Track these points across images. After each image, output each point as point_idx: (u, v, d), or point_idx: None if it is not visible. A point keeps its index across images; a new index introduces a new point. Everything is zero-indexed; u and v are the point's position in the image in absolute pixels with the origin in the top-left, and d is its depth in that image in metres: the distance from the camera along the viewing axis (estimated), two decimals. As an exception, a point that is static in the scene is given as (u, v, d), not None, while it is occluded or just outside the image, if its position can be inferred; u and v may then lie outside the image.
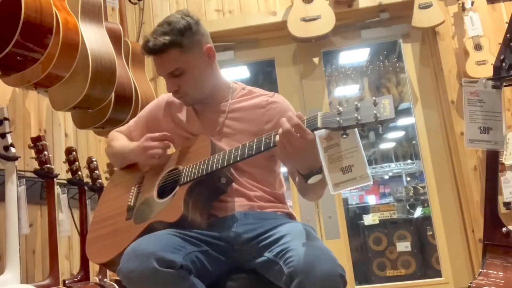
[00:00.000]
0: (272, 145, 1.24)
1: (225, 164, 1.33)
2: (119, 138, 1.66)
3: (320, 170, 1.21)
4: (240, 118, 1.53)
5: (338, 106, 1.11)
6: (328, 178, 1.12)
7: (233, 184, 1.46)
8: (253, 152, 1.29)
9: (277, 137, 1.20)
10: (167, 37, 1.41)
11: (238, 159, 1.31)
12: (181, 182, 1.40)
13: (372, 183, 1.13)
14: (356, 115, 1.08)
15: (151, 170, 1.56)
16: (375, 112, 1.05)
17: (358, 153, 1.11)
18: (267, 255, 1.27)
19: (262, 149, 1.27)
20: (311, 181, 1.25)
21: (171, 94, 1.59)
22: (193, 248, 1.26)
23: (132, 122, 1.72)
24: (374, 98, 1.07)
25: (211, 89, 1.54)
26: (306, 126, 1.17)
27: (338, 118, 1.10)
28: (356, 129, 1.11)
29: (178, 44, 1.42)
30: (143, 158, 1.51)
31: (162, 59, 1.45)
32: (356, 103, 1.10)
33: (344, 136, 1.10)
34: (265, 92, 1.60)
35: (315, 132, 1.16)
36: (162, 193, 1.45)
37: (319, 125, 1.15)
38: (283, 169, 1.63)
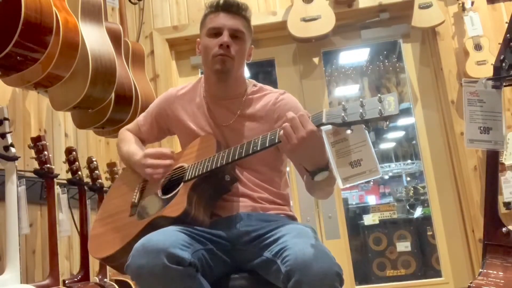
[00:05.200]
0: (277, 140, 1.24)
1: (230, 160, 1.33)
2: (127, 141, 1.67)
3: (326, 167, 1.22)
4: (251, 115, 1.53)
5: (343, 103, 1.13)
6: (337, 172, 1.13)
7: (238, 185, 1.46)
8: (258, 148, 1.28)
9: (281, 132, 1.21)
10: (243, 6, 1.53)
11: (243, 155, 1.31)
12: (186, 179, 1.40)
13: (381, 175, 1.13)
14: (361, 111, 1.09)
15: None
16: (380, 108, 1.07)
17: (366, 147, 1.12)
18: (266, 254, 1.27)
19: (267, 145, 1.27)
20: (317, 178, 1.25)
21: (179, 88, 1.65)
22: (200, 246, 1.26)
23: (141, 116, 1.73)
24: (379, 95, 1.09)
25: (237, 78, 1.56)
26: (312, 122, 1.19)
27: (343, 114, 1.12)
28: (362, 125, 1.12)
29: (247, 19, 1.55)
30: (143, 174, 1.52)
31: (234, 19, 1.51)
32: (361, 99, 1.11)
33: (349, 131, 1.12)
34: (276, 90, 1.60)
35: (322, 127, 1.17)
36: (167, 190, 1.45)
37: (323, 120, 1.17)
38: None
